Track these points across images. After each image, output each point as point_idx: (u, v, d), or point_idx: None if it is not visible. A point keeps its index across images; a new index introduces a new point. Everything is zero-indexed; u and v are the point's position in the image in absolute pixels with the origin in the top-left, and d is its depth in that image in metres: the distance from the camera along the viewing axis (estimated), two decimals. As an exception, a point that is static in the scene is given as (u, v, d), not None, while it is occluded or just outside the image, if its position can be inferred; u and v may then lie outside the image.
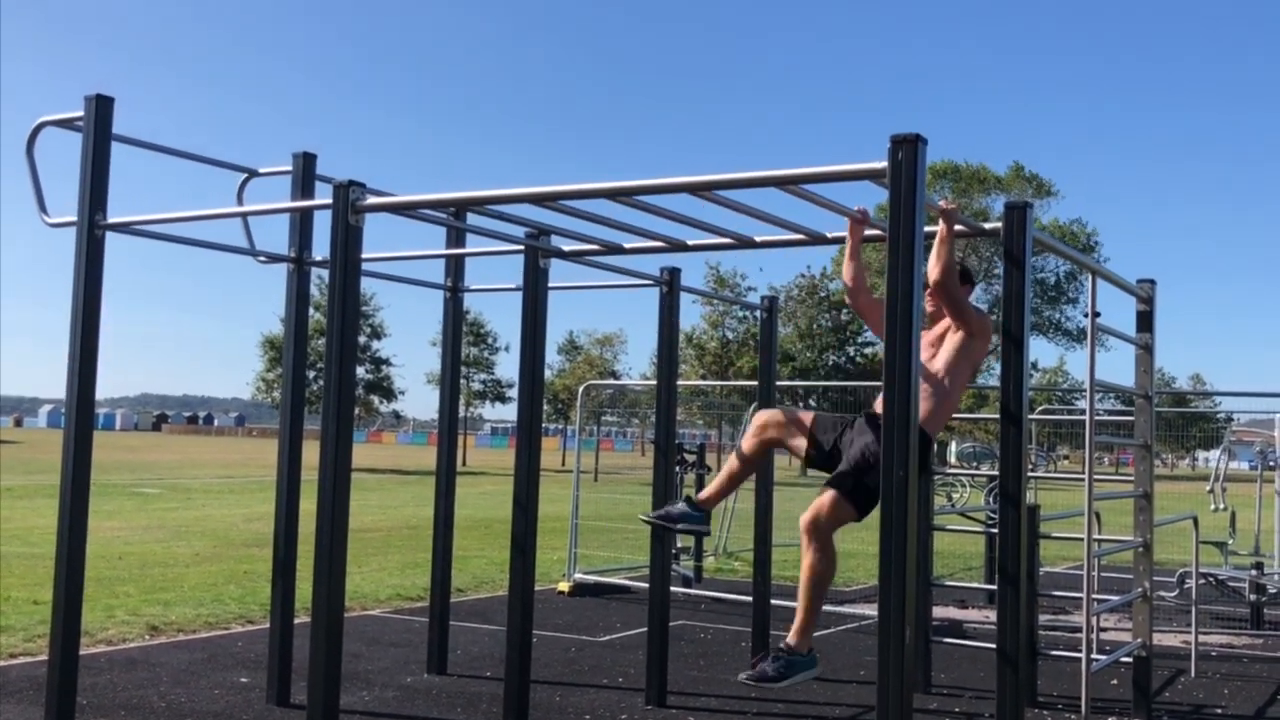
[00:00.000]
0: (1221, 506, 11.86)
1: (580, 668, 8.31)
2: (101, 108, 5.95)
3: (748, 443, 5.67)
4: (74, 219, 6.00)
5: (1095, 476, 6.63)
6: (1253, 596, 10.30)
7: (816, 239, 6.10)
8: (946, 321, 5.50)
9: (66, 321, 6.00)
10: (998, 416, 5.52)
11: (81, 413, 6.00)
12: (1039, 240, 5.78)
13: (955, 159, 58.97)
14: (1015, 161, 60.32)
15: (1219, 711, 7.55)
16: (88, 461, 6.02)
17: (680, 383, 14.36)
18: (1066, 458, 33.05)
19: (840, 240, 5.92)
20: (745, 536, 13.06)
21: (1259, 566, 10.63)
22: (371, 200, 5.28)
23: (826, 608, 10.93)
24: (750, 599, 8.77)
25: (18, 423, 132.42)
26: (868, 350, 57.18)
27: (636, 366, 64.79)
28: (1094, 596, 6.73)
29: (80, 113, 5.98)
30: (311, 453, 5.66)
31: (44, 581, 10.36)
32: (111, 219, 5.99)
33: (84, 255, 5.95)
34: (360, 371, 50.30)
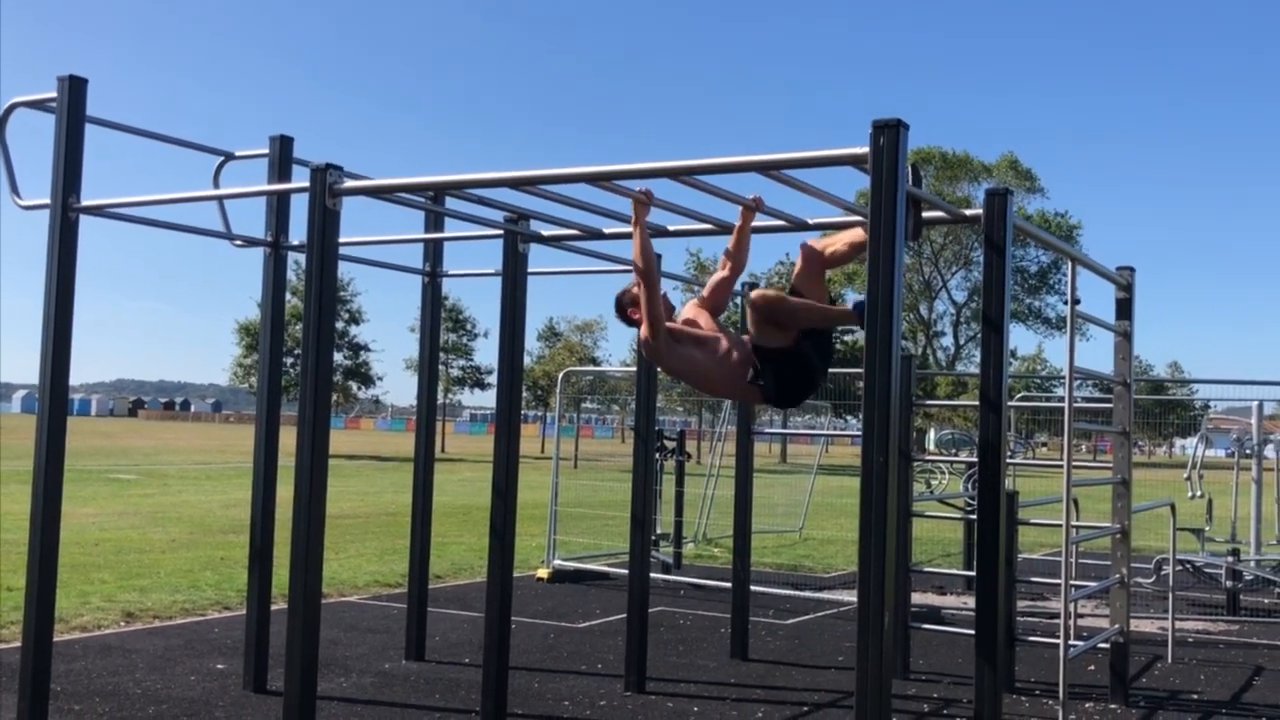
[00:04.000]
0: (1198, 494, 11.93)
1: (559, 654, 8.30)
2: (75, 89, 5.87)
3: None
4: (47, 201, 5.93)
5: (1073, 463, 6.65)
6: (1229, 583, 10.37)
7: (798, 225, 6.07)
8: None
9: (40, 306, 5.94)
10: (977, 403, 5.52)
11: (56, 398, 5.93)
12: (1020, 228, 5.77)
13: (941, 146, 59.16)
14: (1010, 152, 60.48)
15: (1195, 697, 7.59)
16: (62, 447, 5.96)
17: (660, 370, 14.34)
18: (1045, 445, 33.22)
19: (824, 227, 5.90)
20: (724, 523, 13.08)
21: (1235, 553, 10.71)
22: (349, 184, 5.23)
23: (804, 593, 10.99)
24: (729, 585, 8.78)
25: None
26: (847, 338, 57.29)
27: (616, 353, 64.63)
28: (1072, 583, 6.75)
29: (53, 94, 5.90)
30: (289, 439, 5.61)
31: (17, 568, 10.26)
32: (85, 202, 5.92)
33: (57, 238, 5.88)
34: (338, 357, 50.10)
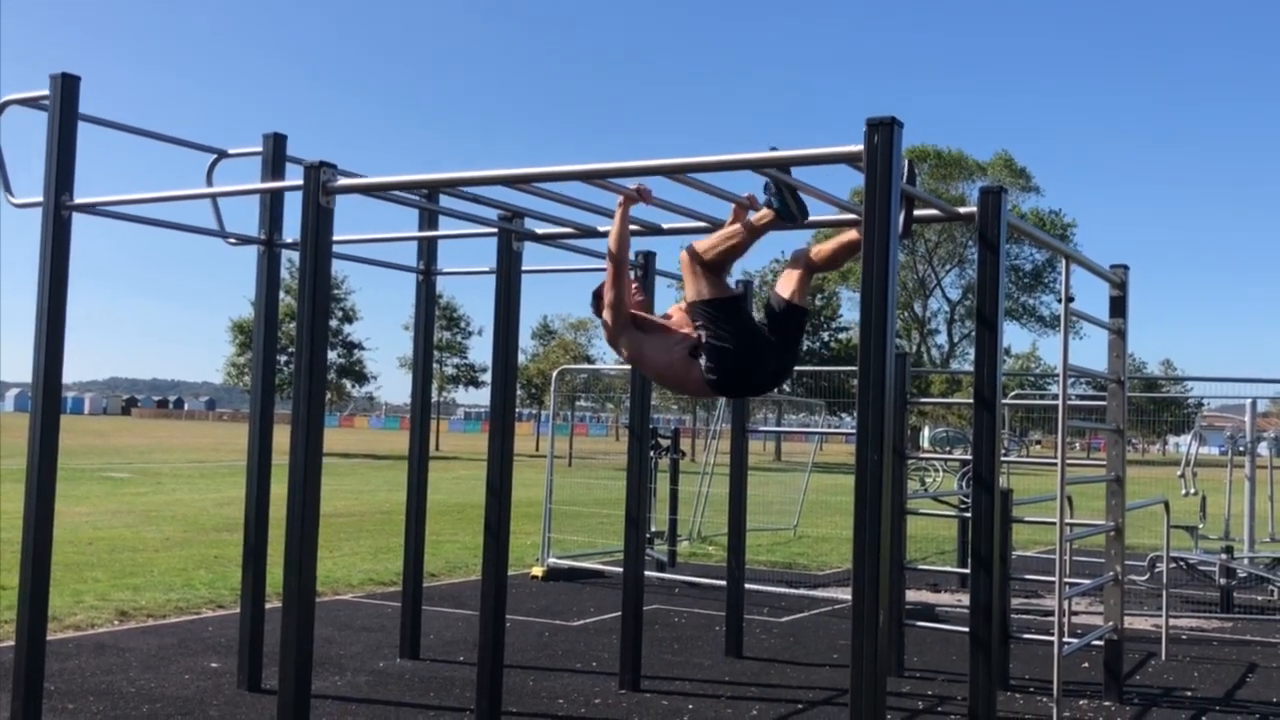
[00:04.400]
0: (1192, 491, 11.94)
1: (554, 652, 8.30)
2: (68, 87, 5.85)
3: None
4: (40, 200, 5.92)
5: (1067, 461, 6.65)
6: (1222, 580, 10.38)
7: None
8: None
9: (33, 304, 5.92)
10: (971, 401, 5.53)
11: (49, 396, 5.92)
12: (1014, 226, 5.78)
13: (936, 145, 59.30)
14: (1005, 150, 60.72)
15: (1189, 694, 7.60)
16: (55, 446, 5.95)
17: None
18: (1039, 442, 33.26)
19: (818, 225, 5.89)
20: (719, 521, 13.09)
21: (1229, 550, 10.71)
22: (343, 181, 5.21)
23: (798, 591, 10.99)
24: (724, 583, 8.78)
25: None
26: (842, 335, 57.33)
27: (611, 352, 64.56)
28: (1066, 580, 6.76)
29: (46, 91, 5.89)
30: (283, 437, 5.60)
31: (10, 567, 10.26)
32: (78, 200, 5.91)
33: (50, 236, 5.87)
34: (332, 355, 50.02)
